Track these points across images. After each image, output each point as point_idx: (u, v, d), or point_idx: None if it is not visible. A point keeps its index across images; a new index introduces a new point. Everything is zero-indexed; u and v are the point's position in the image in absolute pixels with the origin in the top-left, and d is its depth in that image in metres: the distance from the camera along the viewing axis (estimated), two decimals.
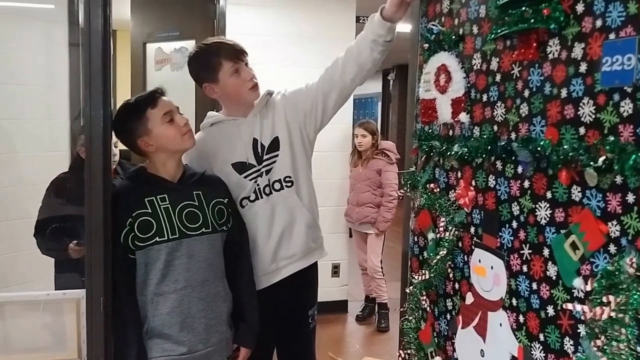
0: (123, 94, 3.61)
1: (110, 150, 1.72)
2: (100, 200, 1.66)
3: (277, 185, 1.96)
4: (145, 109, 1.75)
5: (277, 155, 1.96)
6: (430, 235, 1.72)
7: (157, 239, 1.71)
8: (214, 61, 1.90)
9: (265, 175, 1.95)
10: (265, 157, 1.96)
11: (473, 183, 1.54)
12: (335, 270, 4.59)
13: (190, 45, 4.22)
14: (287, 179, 1.97)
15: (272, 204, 1.96)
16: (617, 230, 1.06)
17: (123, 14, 4.61)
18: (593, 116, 1.11)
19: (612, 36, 1.07)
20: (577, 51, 1.16)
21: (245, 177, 1.94)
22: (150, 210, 1.72)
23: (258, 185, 1.95)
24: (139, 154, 1.83)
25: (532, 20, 1.23)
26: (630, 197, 1.03)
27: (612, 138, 1.06)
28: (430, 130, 1.77)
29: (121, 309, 1.68)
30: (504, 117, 1.40)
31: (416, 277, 1.76)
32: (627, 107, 1.03)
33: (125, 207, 1.71)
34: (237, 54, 1.93)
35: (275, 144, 1.97)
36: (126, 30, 4.71)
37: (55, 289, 2.14)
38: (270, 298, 1.98)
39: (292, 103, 2.02)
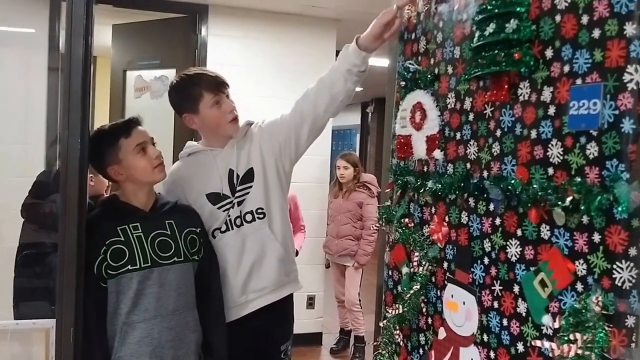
0: (101, 120, 3.61)
1: (86, 177, 1.72)
2: (74, 227, 1.64)
3: (248, 217, 1.95)
4: (119, 137, 1.75)
5: (250, 187, 1.95)
6: (405, 270, 1.74)
7: (129, 267, 1.70)
8: (195, 92, 1.91)
9: (237, 207, 1.94)
10: (238, 188, 1.95)
11: (446, 219, 1.57)
12: (311, 302, 4.57)
13: (170, 73, 4.24)
14: (259, 211, 1.95)
15: (242, 235, 1.94)
16: (583, 269, 1.09)
17: (104, 41, 4.63)
18: (561, 157, 1.15)
19: (579, 81, 1.12)
20: (546, 94, 1.20)
21: (218, 207, 1.93)
22: (122, 239, 1.71)
23: (229, 216, 1.93)
24: (109, 180, 1.84)
25: (504, 64, 1.27)
26: (596, 237, 1.06)
27: (579, 179, 1.09)
28: (405, 166, 1.80)
29: (91, 339, 1.66)
30: (476, 155, 1.44)
31: (390, 311, 1.76)
32: (592, 149, 1.07)
33: (99, 235, 1.70)
34: (218, 85, 1.93)
35: (249, 175, 1.96)
36: (107, 57, 4.73)
37: (15, 318, 2.11)
38: (241, 331, 1.95)
39: (267, 134, 2.02)
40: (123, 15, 4.38)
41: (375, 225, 2.02)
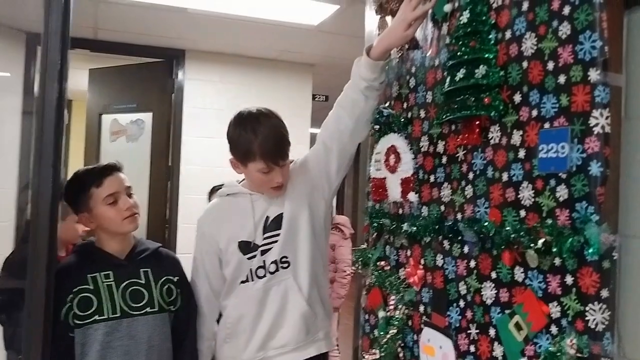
0: (76, 164, 3.57)
1: (57, 225, 1.68)
2: (43, 275, 1.60)
3: (272, 268, 1.77)
4: (90, 186, 1.71)
5: (278, 235, 1.77)
6: (381, 314, 1.72)
7: (96, 317, 1.64)
8: (250, 154, 1.71)
9: (261, 256, 1.76)
10: (265, 235, 1.78)
11: (422, 261, 1.57)
12: None
13: (147, 117, 4.25)
14: (284, 259, 1.77)
15: (265, 287, 1.77)
16: (558, 311, 1.09)
17: (80, 85, 4.63)
18: (532, 200, 1.17)
19: (547, 125, 1.14)
20: (516, 138, 1.22)
21: (248, 258, 1.78)
22: (91, 287, 1.66)
23: (251, 266, 1.78)
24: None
25: (474, 108, 1.30)
26: (569, 279, 1.07)
27: (550, 221, 1.11)
28: (381, 208, 1.81)
29: None
30: (450, 197, 1.45)
31: (367, 356, 1.74)
32: (562, 192, 1.09)
33: (67, 282, 1.65)
34: (273, 158, 1.70)
35: (277, 222, 1.79)
36: (82, 100, 4.72)
37: None
38: None
39: (300, 177, 1.83)
40: (100, 60, 4.41)
41: (351, 268, 1.98)
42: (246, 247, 1.78)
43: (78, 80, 4.59)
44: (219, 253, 1.82)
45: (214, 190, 2.98)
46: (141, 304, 1.70)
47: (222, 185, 1.95)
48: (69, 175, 1.85)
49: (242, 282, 1.79)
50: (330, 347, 1.87)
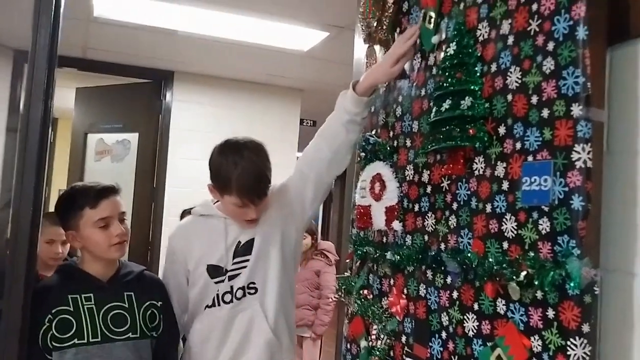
0: (59, 183, 3.52)
1: (36, 244, 1.66)
2: (21, 295, 1.57)
3: (239, 293, 1.75)
4: (84, 206, 1.65)
5: (247, 260, 1.75)
6: (363, 343, 1.70)
7: (75, 340, 1.59)
8: (227, 184, 1.68)
9: (228, 281, 1.74)
10: (234, 260, 1.75)
11: (405, 291, 1.56)
12: None
13: (133, 137, 4.24)
14: (251, 285, 1.75)
15: (231, 312, 1.75)
16: (539, 345, 1.09)
17: (66, 103, 4.61)
18: (515, 232, 1.17)
19: (530, 158, 1.15)
20: (500, 170, 1.23)
21: (215, 282, 1.76)
22: (71, 309, 1.61)
23: (218, 291, 1.75)
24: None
25: (459, 139, 1.30)
26: (550, 313, 1.07)
27: (533, 254, 1.11)
28: (365, 236, 1.80)
29: None
30: (434, 227, 1.45)
31: None
32: (545, 225, 1.10)
33: (47, 302, 1.60)
34: (249, 195, 1.68)
35: (248, 247, 1.76)
36: (68, 118, 4.70)
37: None
38: None
39: (275, 203, 1.80)
40: (87, 79, 4.40)
41: (334, 296, 1.95)
42: (215, 272, 1.76)
43: (65, 98, 4.57)
44: (186, 273, 1.79)
45: (185, 213, 2.94)
46: (123, 328, 1.65)
47: (193, 207, 1.92)
48: (53, 193, 1.82)
49: (208, 306, 1.77)
50: None
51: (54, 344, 1.58)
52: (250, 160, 1.67)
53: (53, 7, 1.63)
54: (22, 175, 1.60)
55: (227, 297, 1.75)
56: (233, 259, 1.76)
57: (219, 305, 1.75)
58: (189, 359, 1.80)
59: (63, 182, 4.37)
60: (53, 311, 1.59)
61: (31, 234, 1.59)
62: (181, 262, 1.80)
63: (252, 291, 1.75)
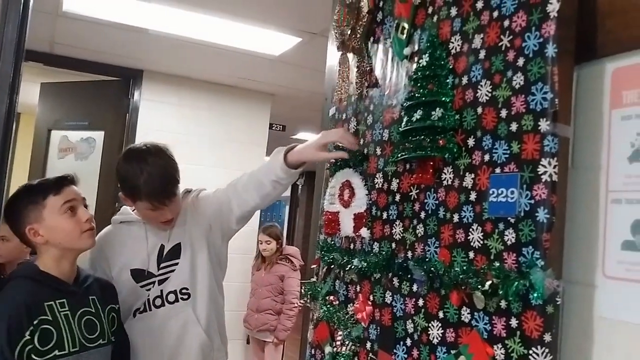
0: (20, 180, 3.43)
1: None
2: None
3: (171, 297, 1.79)
4: (47, 194, 1.55)
5: (176, 264, 1.80)
6: (327, 349, 1.71)
7: (56, 352, 1.46)
8: (135, 195, 1.75)
9: (158, 285, 1.78)
10: (162, 264, 1.80)
11: (371, 298, 1.57)
12: None
13: (98, 136, 4.16)
14: (184, 291, 1.81)
15: (162, 317, 1.78)
16: (502, 354, 1.11)
17: (30, 98, 4.50)
18: (481, 242, 1.19)
19: (498, 170, 1.17)
20: (468, 180, 1.25)
21: (141, 286, 1.79)
22: (50, 318, 1.47)
23: (149, 295, 1.78)
24: (25, 244, 1.62)
25: (429, 149, 1.32)
26: (514, 322, 1.09)
27: (498, 264, 1.13)
28: (332, 242, 1.81)
29: None
30: (401, 235, 1.47)
31: None
32: (510, 236, 1.12)
33: (25, 312, 1.44)
34: (158, 198, 1.73)
35: (176, 252, 1.82)
36: (32, 114, 4.59)
37: None
38: None
39: (200, 209, 1.90)
40: (53, 74, 4.31)
41: (300, 301, 1.98)
42: (139, 275, 1.79)
43: (29, 93, 4.46)
44: (110, 280, 1.79)
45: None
46: (94, 335, 1.58)
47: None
48: (13, 190, 1.75)
49: (139, 311, 1.79)
50: None
51: (34, 357, 1.43)
52: (155, 164, 1.71)
53: (22, 1, 1.60)
54: None
55: (158, 302, 1.78)
56: (161, 263, 1.79)
57: (150, 310, 1.78)
58: None
59: (24, 178, 4.25)
60: (34, 322, 1.45)
61: None
62: (104, 269, 1.80)
63: (185, 297, 1.80)
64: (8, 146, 1.58)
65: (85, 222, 1.58)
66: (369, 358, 1.55)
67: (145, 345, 1.77)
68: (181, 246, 1.82)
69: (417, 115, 1.36)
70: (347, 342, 1.62)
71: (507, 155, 1.16)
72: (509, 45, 1.17)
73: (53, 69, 4.14)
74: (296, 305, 4.14)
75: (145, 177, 1.68)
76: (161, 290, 1.78)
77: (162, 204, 1.71)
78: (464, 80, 1.30)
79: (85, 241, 1.60)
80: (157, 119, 4.23)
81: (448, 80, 1.33)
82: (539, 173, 1.07)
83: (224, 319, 1.96)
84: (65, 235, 1.56)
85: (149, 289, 1.78)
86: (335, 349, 1.67)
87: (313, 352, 1.85)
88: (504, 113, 1.17)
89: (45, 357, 1.44)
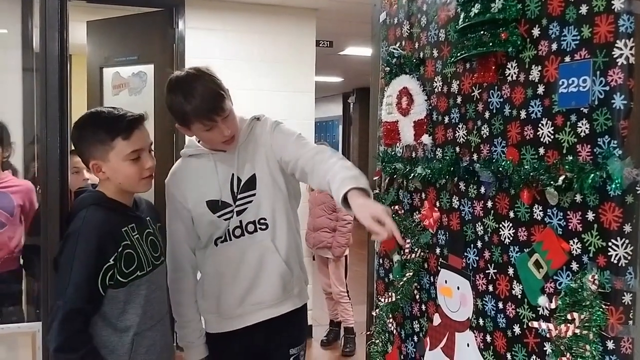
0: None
1: (67, 177, 1.67)
2: (56, 228, 1.60)
3: (250, 227, 1.80)
4: (116, 136, 1.55)
5: (253, 195, 1.79)
6: (396, 257, 1.72)
7: (138, 272, 1.57)
8: (188, 119, 1.72)
9: (237, 216, 1.79)
10: (239, 196, 1.80)
11: (437, 204, 1.56)
12: None
13: (148, 69, 4.18)
14: (262, 221, 1.80)
15: (242, 247, 1.80)
16: (578, 248, 1.09)
17: (79, 38, 4.54)
18: (552, 137, 1.14)
19: (567, 59, 1.10)
20: (535, 74, 1.19)
21: (219, 216, 1.80)
22: (129, 242, 1.56)
23: (229, 226, 1.79)
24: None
25: (491, 44, 1.25)
26: (590, 215, 1.06)
27: (571, 158, 1.08)
28: (393, 153, 1.79)
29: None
30: (465, 138, 1.42)
31: (382, 300, 1.75)
32: (584, 127, 1.06)
33: (111, 239, 1.52)
34: (209, 113, 1.69)
35: (251, 183, 1.80)
36: (82, 54, 4.64)
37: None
38: (241, 342, 1.87)
39: (275, 145, 1.81)
40: (97, 12, 4.30)
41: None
42: (215, 206, 1.80)
43: (76, 33, 4.49)
44: (188, 213, 1.82)
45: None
46: (158, 254, 1.68)
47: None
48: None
49: (220, 241, 1.82)
50: (303, 301, 1.95)
51: (119, 279, 1.52)
52: (196, 85, 1.69)
53: None
54: (46, 109, 1.60)
55: (238, 232, 1.80)
56: (238, 194, 1.80)
57: (230, 240, 1.81)
58: (203, 292, 1.85)
59: None
60: (119, 248, 1.53)
61: (61, 168, 1.61)
62: (181, 202, 1.83)
63: (264, 227, 1.81)
64: (65, 83, 1.60)
65: (146, 169, 1.62)
66: (439, 263, 1.55)
67: (226, 274, 1.82)
68: (256, 177, 1.81)
69: (475, 9, 1.28)
70: (415, 249, 1.63)
71: (577, 42, 1.08)
72: None
73: (97, 6, 4.13)
74: (349, 222, 4.19)
75: (189, 99, 1.68)
76: (240, 221, 1.80)
77: (213, 121, 1.69)
78: None
79: (143, 187, 1.64)
80: (203, 47, 4.19)
81: None
82: (614, 56, 1.00)
83: (302, 248, 1.97)
84: (124, 178, 1.60)
85: (228, 220, 1.80)
86: (404, 256, 1.68)
87: (381, 261, 1.88)
88: None
89: (129, 277, 1.55)
